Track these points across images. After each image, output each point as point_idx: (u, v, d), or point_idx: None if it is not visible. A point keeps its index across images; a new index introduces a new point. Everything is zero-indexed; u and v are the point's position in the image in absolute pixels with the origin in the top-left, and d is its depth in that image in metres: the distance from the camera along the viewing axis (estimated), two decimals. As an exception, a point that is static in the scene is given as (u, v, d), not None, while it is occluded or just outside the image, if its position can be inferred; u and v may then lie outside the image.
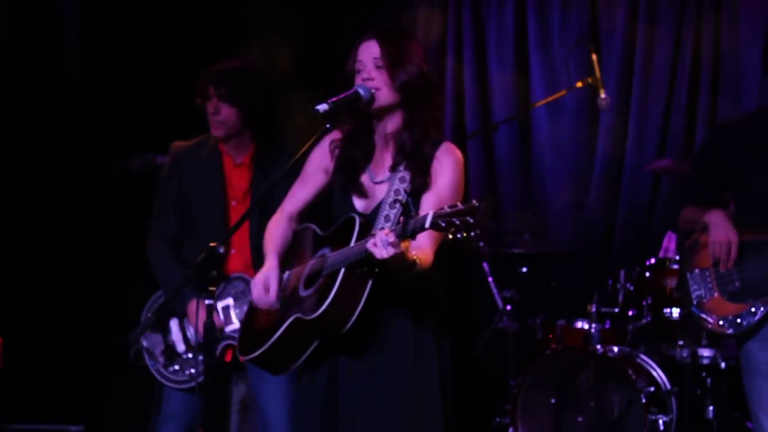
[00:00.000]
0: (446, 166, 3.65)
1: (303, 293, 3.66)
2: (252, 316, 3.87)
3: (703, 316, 4.31)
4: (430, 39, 7.33)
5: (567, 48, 7.10)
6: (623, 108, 7.00)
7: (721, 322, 4.25)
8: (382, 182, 3.69)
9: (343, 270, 3.50)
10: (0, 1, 6.51)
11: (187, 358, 4.58)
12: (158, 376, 4.63)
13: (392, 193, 3.64)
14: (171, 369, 4.60)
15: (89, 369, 6.47)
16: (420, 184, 3.63)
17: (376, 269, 3.47)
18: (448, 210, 3.22)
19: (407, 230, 3.32)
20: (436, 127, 3.69)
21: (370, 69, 3.66)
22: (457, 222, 3.18)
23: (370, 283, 3.50)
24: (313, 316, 3.50)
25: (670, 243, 6.44)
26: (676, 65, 6.95)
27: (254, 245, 4.50)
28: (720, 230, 4.25)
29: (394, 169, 3.67)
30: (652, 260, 6.02)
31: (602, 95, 5.88)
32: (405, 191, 3.63)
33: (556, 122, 7.14)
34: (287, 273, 3.80)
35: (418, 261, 3.44)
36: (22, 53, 6.55)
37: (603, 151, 7.05)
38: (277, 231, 3.84)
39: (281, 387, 4.46)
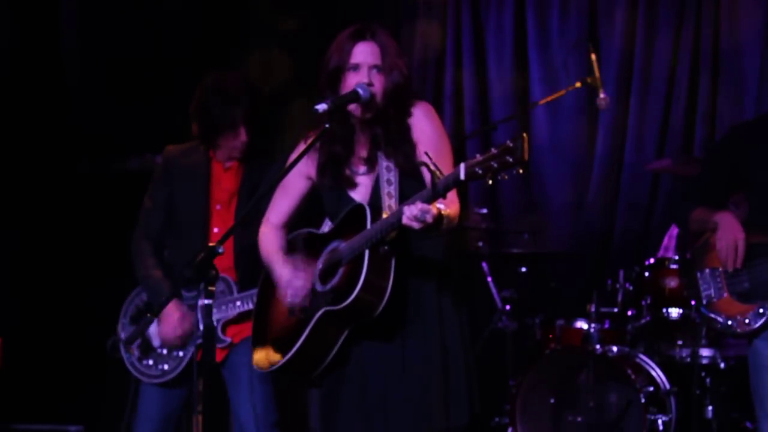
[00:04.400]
0: (423, 122, 3.70)
1: (323, 288, 3.66)
2: (263, 327, 3.86)
3: (712, 315, 4.34)
4: (429, 39, 7.34)
5: (566, 48, 7.11)
6: (622, 108, 7.01)
7: (729, 322, 4.28)
8: (366, 171, 3.73)
9: (367, 252, 3.50)
10: (0, 2, 6.51)
11: (162, 353, 4.62)
12: (131, 369, 4.68)
13: (384, 171, 3.66)
14: (145, 363, 4.65)
15: (89, 369, 6.47)
16: (403, 160, 3.66)
17: (399, 243, 3.50)
18: (480, 158, 3.24)
19: (438, 190, 3.35)
20: (408, 110, 3.72)
21: (370, 73, 3.66)
22: (495, 165, 3.20)
23: (393, 261, 3.52)
24: (346, 302, 3.50)
25: (670, 241, 6.45)
26: (675, 65, 6.95)
27: (237, 247, 4.52)
28: (728, 229, 4.28)
29: (371, 160, 3.71)
30: (652, 260, 6.02)
31: (601, 95, 5.87)
32: (397, 168, 3.65)
33: (556, 122, 7.15)
34: None
35: (445, 215, 3.45)
36: (23, 54, 6.55)
37: (602, 150, 7.05)
38: (272, 244, 3.86)
39: (259, 392, 4.47)
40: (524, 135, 3.17)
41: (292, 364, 3.71)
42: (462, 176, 3.26)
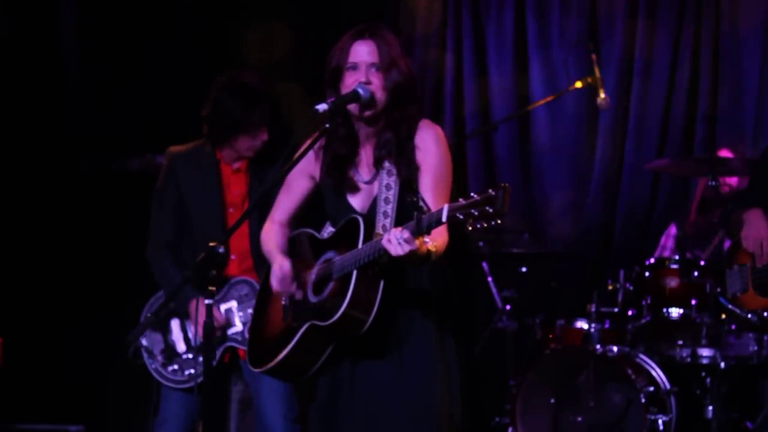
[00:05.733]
0: (429, 145, 3.66)
1: (313, 299, 3.66)
2: (259, 326, 3.86)
3: (732, 308, 4.45)
4: (429, 39, 7.34)
5: (566, 48, 7.11)
6: (623, 108, 7.01)
7: (749, 315, 4.40)
8: (371, 180, 3.71)
9: (355, 272, 3.49)
10: (0, 1, 6.52)
11: (187, 358, 4.59)
12: (156, 375, 4.63)
13: (384, 189, 3.64)
14: (170, 368, 4.61)
15: (89, 369, 6.47)
16: (406, 175, 3.63)
17: (389, 267, 3.48)
18: (463, 202, 3.22)
19: (422, 226, 3.33)
20: (416, 120, 3.70)
21: (368, 72, 3.66)
22: (476, 213, 3.18)
23: (382, 283, 3.50)
24: (331, 320, 3.49)
25: (667, 240, 6.46)
26: (675, 65, 6.95)
27: (254, 250, 4.50)
28: (753, 227, 4.37)
29: (378, 164, 3.68)
30: (652, 260, 6.02)
31: (602, 95, 5.89)
32: (398, 184, 3.64)
33: (556, 122, 7.15)
34: None
35: (433, 252, 3.45)
36: (22, 53, 6.55)
37: (602, 150, 7.05)
38: (273, 239, 3.84)
39: (278, 386, 4.46)
40: (507, 186, 3.16)
41: (279, 369, 3.71)
42: (444, 219, 3.26)
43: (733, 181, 6.28)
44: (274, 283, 3.73)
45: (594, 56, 5.97)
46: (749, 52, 6.82)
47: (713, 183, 5.86)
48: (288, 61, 6.75)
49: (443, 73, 7.33)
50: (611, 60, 7.01)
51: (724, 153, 6.26)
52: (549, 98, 6.39)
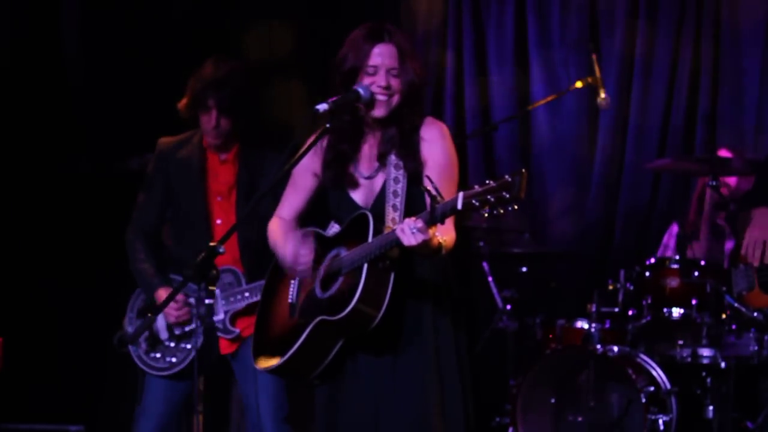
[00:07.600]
0: (435, 140, 3.68)
1: (322, 295, 3.65)
2: (265, 324, 3.86)
3: (738, 306, 4.49)
4: (430, 39, 7.34)
5: (566, 48, 7.11)
6: (623, 108, 7.00)
7: (755, 314, 4.44)
8: (371, 175, 3.71)
9: (366, 266, 3.49)
10: (1, 2, 6.51)
11: (169, 346, 4.63)
12: (139, 362, 4.67)
13: (392, 182, 3.64)
14: (152, 355, 4.65)
15: (89, 369, 6.47)
16: (413, 168, 3.64)
17: (399, 260, 3.47)
18: (479, 189, 3.21)
19: (436, 215, 3.33)
20: (420, 116, 3.71)
21: (388, 76, 3.65)
22: (492, 199, 3.17)
23: (392, 276, 3.50)
24: (342, 314, 3.49)
25: (670, 239, 6.46)
26: (675, 65, 6.95)
27: (242, 240, 4.53)
28: (757, 226, 4.37)
29: (382, 159, 3.69)
30: (652, 260, 6.02)
31: (602, 95, 5.88)
32: (406, 177, 3.63)
33: (556, 122, 7.15)
34: (296, 279, 3.79)
35: (444, 245, 3.45)
36: (23, 53, 6.55)
37: (603, 150, 7.05)
38: (279, 230, 3.83)
39: (269, 384, 4.47)
40: (524, 171, 3.15)
41: (287, 367, 3.70)
42: (459, 206, 3.25)
43: (732, 181, 6.29)
44: (289, 258, 3.68)
45: (594, 56, 5.96)
46: (749, 52, 6.82)
47: (713, 183, 5.86)
48: (289, 59, 6.76)
49: (443, 74, 7.33)
50: (611, 60, 7.01)
51: (724, 153, 6.26)
52: (549, 98, 6.39)
